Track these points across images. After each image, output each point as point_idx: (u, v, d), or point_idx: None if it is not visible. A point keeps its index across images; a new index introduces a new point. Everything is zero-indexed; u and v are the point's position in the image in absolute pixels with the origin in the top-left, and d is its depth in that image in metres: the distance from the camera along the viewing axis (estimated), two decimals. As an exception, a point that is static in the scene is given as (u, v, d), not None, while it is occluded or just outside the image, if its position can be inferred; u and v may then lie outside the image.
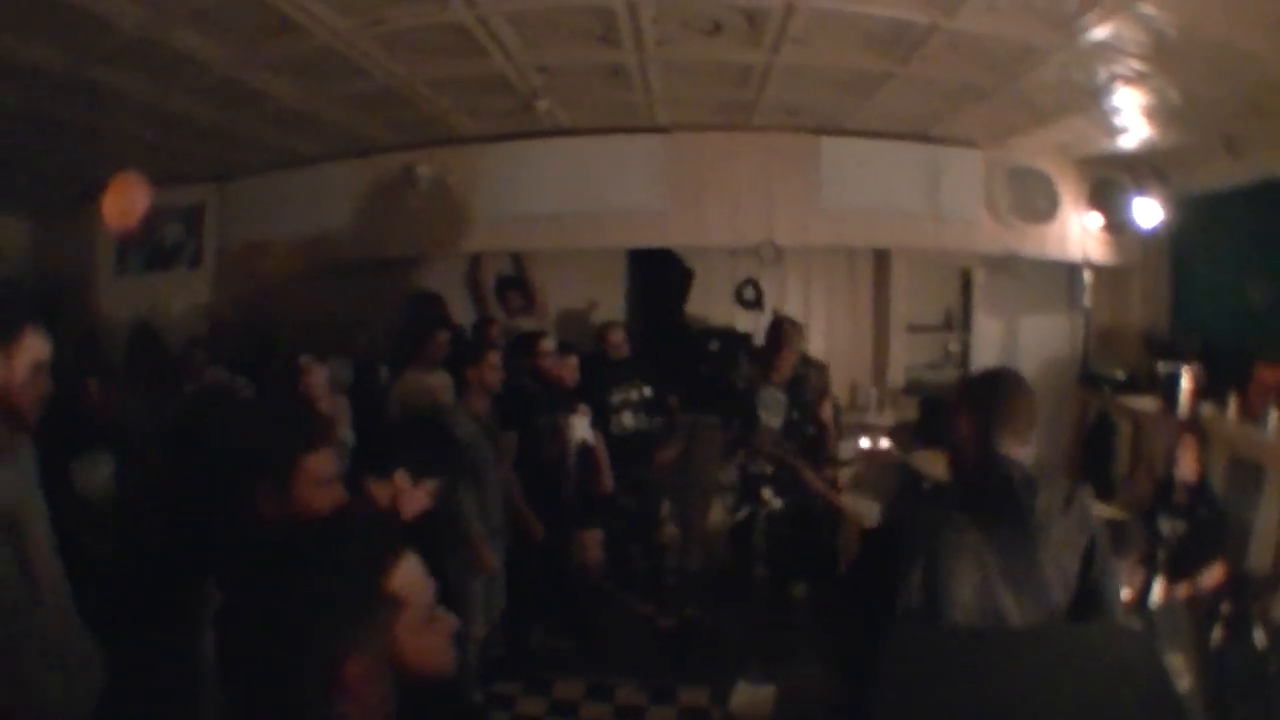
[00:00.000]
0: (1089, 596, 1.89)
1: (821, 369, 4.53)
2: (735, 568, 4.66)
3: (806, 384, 4.36)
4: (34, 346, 1.90)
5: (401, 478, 2.34)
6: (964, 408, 2.01)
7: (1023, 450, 1.94)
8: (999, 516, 1.87)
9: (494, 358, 3.78)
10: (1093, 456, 5.62)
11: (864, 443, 4.84)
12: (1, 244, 6.45)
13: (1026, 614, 1.83)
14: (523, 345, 4.53)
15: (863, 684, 1.98)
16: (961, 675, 1.45)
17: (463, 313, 5.55)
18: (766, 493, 4.26)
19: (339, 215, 5.39)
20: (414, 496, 2.32)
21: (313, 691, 1.00)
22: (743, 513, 4.39)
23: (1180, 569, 3.19)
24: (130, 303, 5.63)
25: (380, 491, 2.28)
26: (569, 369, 4.50)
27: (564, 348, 4.60)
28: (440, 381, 4.18)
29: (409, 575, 1.08)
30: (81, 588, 2.18)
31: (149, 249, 5.70)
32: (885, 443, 4.84)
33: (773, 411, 4.31)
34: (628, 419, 4.77)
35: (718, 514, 5.00)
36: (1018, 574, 1.83)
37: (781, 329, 4.38)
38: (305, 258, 5.43)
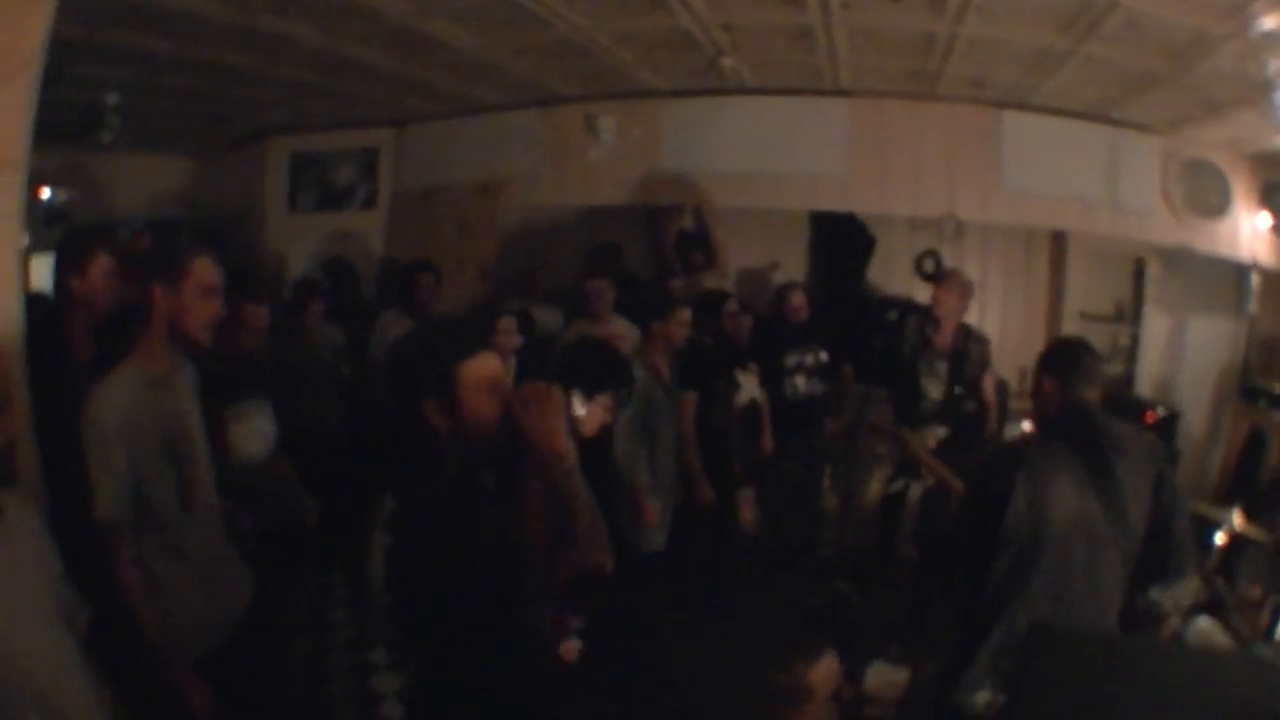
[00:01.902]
0: (1161, 521, 2.26)
1: (984, 343, 4.35)
2: (881, 543, 4.56)
3: (968, 357, 4.21)
4: (204, 273, 1.99)
5: (576, 395, 2.34)
6: (1046, 372, 2.41)
7: (1095, 396, 2.34)
8: (1084, 439, 2.25)
9: (683, 315, 3.70)
10: (1244, 473, 5.34)
11: (1025, 425, 4.65)
12: (164, 185, 6.69)
13: (1111, 521, 2.20)
14: (708, 303, 4.47)
15: (973, 612, 2.27)
16: (1098, 683, 1.49)
17: (642, 266, 5.53)
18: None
19: (518, 163, 5.42)
20: (591, 413, 2.33)
21: None
22: (896, 485, 4.27)
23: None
24: (301, 240, 5.78)
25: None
26: (744, 328, 4.46)
27: (740, 307, 4.55)
28: (616, 330, 4.16)
29: (827, 669, 1.10)
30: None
31: (321, 190, 5.84)
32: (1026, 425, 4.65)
33: (934, 381, 4.19)
34: (800, 383, 4.68)
35: (879, 488, 4.89)
36: (1103, 486, 2.20)
37: (949, 275, 4.29)
38: (482, 203, 5.45)
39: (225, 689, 1.98)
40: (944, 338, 4.21)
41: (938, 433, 4.09)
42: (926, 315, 4.30)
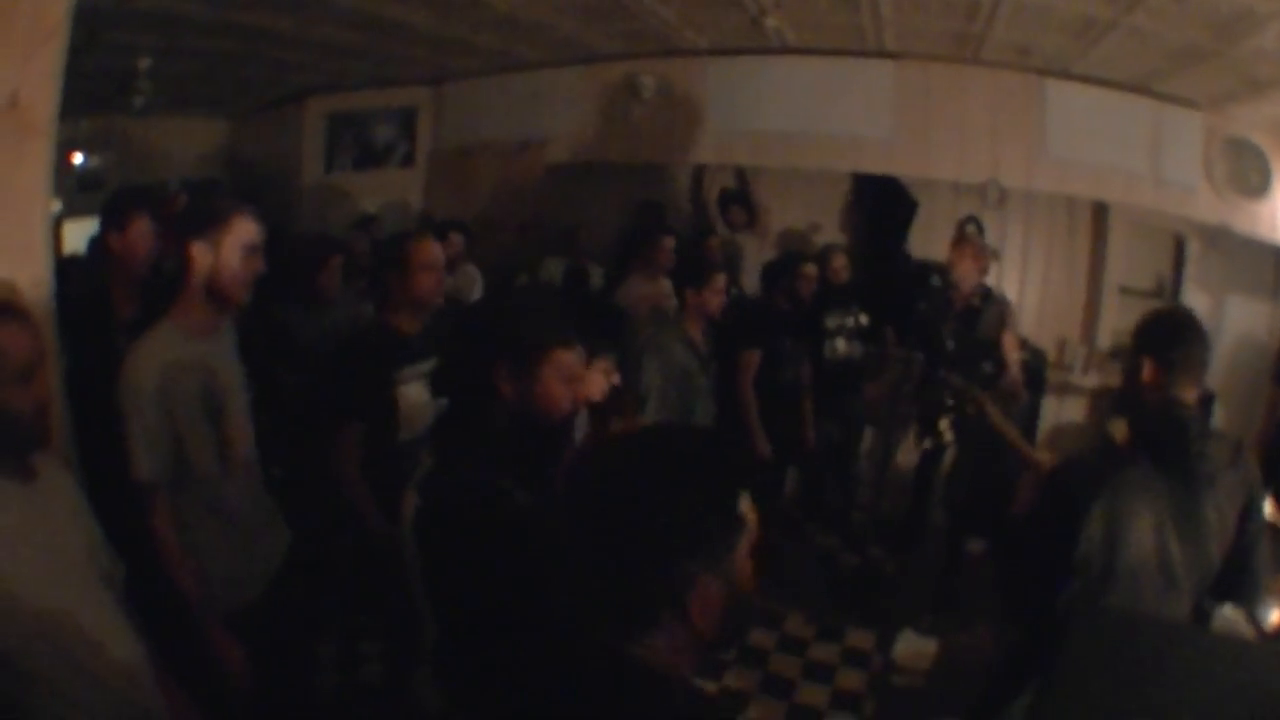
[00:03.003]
0: (1242, 553, 2.00)
1: (1003, 304, 4.28)
2: (913, 508, 4.53)
3: (982, 316, 4.14)
4: (244, 230, 1.99)
5: None
6: (1147, 351, 2.01)
7: (1195, 394, 1.98)
8: (1176, 464, 1.93)
9: (719, 281, 3.55)
10: (1275, 458, 5.26)
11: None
12: (200, 148, 6.71)
13: (1189, 561, 1.93)
14: (783, 266, 4.44)
15: (1035, 634, 2.06)
16: (1142, 670, 1.45)
17: (684, 224, 5.49)
18: (943, 424, 4.02)
19: (559, 121, 5.42)
20: (593, 379, 2.26)
21: (656, 605, 0.98)
22: (926, 442, 4.22)
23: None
24: (340, 200, 5.78)
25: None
26: (841, 267, 4.55)
27: (830, 249, 4.65)
28: (664, 289, 4.13)
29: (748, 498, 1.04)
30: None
31: (359, 149, 5.83)
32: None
33: (950, 341, 4.14)
34: (841, 345, 4.64)
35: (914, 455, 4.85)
36: (1186, 521, 1.92)
37: (963, 239, 4.25)
38: (523, 161, 5.44)
39: (258, 643, 1.99)
40: (960, 298, 4.16)
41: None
42: (947, 279, 4.24)
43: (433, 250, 2.56)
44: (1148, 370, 1.98)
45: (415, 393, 2.46)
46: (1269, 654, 1.88)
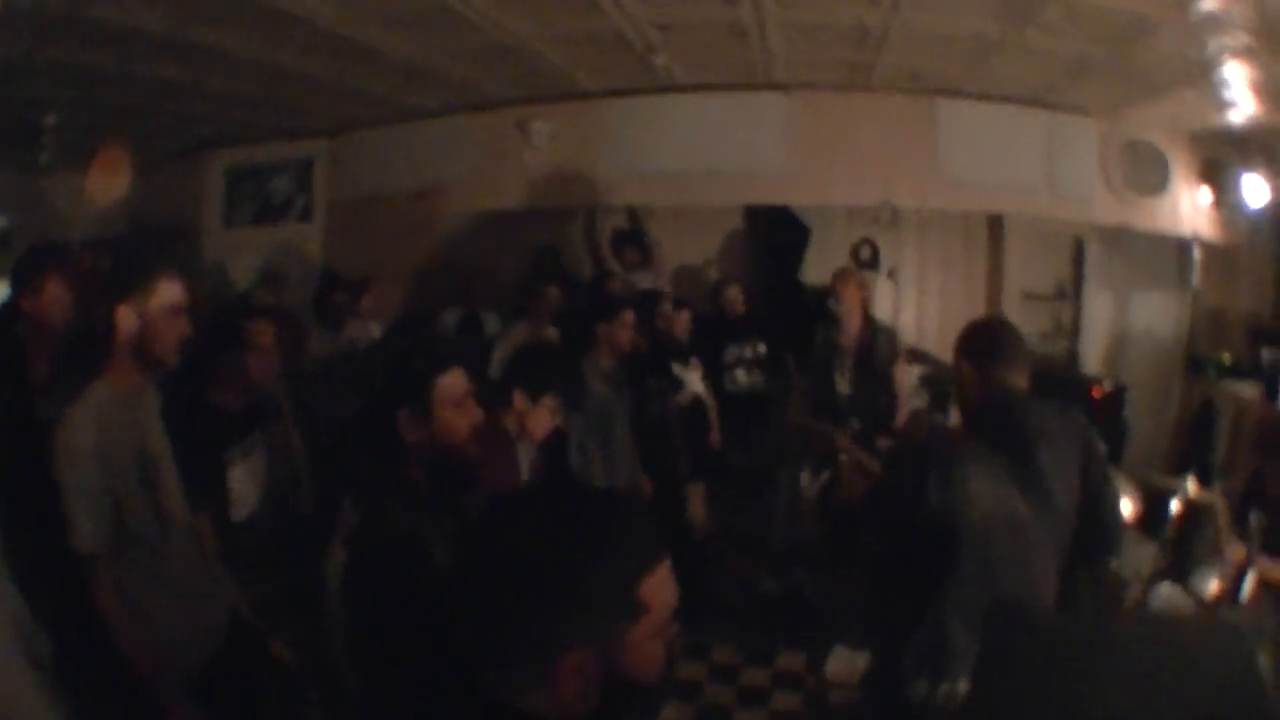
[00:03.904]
0: (1091, 502, 2.19)
1: (890, 334, 4.38)
2: (827, 532, 4.54)
3: (875, 351, 4.20)
4: (168, 292, 1.98)
5: (520, 398, 2.35)
6: (964, 356, 2.30)
7: (1021, 380, 2.24)
8: (1002, 432, 2.13)
9: (628, 316, 3.67)
10: (1195, 442, 5.43)
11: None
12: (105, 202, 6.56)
13: (1039, 514, 2.07)
14: (642, 304, 4.45)
15: (886, 607, 2.22)
16: (1053, 665, 1.47)
17: (581, 266, 5.53)
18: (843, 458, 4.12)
19: (453, 169, 5.40)
20: (538, 416, 2.33)
21: (529, 663, 0.95)
22: (824, 476, 4.29)
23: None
24: (238, 255, 5.70)
25: (507, 417, 2.31)
26: (682, 324, 4.47)
27: (677, 303, 4.56)
28: (551, 335, 4.15)
29: (662, 582, 1.00)
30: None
31: (258, 203, 5.76)
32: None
33: (842, 379, 4.21)
34: (741, 376, 4.72)
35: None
36: (1027, 479, 2.07)
37: (839, 276, 4.27)
38: (420, 210, 5.42)
39: (217, 702, 1.98)
40: (849, 336, 4.20)
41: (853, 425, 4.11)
42: (830, 317, 4.27)
43: (268, 331, 2.56)
44: (967, 372, 2.28)
45: (242, 472, 2.47)
46: (1198, 630, 1.96)
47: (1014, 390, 2.21)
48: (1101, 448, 2.32)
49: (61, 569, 1.83)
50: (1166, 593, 2.70)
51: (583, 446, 3.36)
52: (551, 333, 4.19)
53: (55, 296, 2.48)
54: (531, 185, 5.33)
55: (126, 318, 1.93)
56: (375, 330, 4.54)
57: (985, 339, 2.33)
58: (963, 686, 2.01)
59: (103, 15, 3.44)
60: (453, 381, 1.72)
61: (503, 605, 0.97)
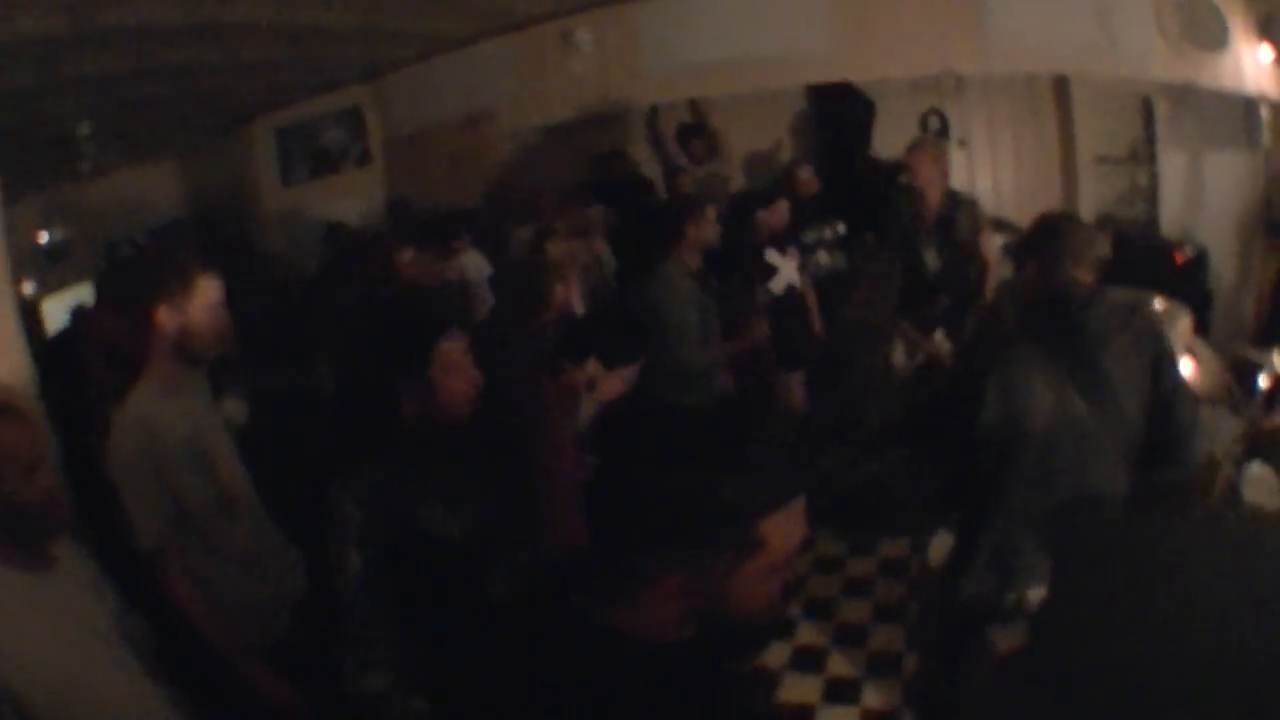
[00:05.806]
0: (1162, 411, 2.08)
1: (971, 205, 4.19)
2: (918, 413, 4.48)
3: (955, 224, 4.03)
4: (207, 290, 1.98)
5: (595, 364, 2.30)
6: (1027, 254, 2.27)
7: (1088, 275, 2.16)
8: (1060, 333, 2.07)
9: (710, 211, 3.66)
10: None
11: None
12: (156, 193, 6.66)
13: (1102, 419, 2.02)
14: (739, 207, 4.44)
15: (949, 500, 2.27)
16: (1140, 570, 1.42)
17: (647, 167, 5.49)
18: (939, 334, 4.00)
19: (502, 89, 5.39)
20: (611, 383, 2.30)
21: (608, 587, 0.93)
22: (917, 358, 4.18)
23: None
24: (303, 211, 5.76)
25: (576, 377, 2.27)
26: (779, 214, 4.36)
27: (769, 195, 4.45)
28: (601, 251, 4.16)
29: (788, 522, 0.94)
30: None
31: (314, 157, 5.81)
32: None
33: (930, 254, 4.08)
34: (823, 258, 4.62)
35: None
36: (1087, 383, 2.02)
37: (914, 148, 4.11)
38: (474, 135, 5.41)
39: (299, 673, 1.99)
40: (929, 209, 4.04)
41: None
42: (907, 191, 4.13)
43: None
44: (1031, 267, 2.23)
45: None
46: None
47: (1078, 286, 2.13)
48: (1173, 356, 2.21)
49: (137, 562, 1.88)
50: (1257, 473, 2.54)
51: (676, 345, 3.32)
52: (602, 247, 4.13)
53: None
54: (582, 93, 5.29)
55: (167, 318, 1.94)
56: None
57: (1046, 232, 2.26)
58: (1033, 595, 1.99)
59: (113, 22, 3.43)
60: (453, 346, 1.67)
61: (606, 518, 0.95)
